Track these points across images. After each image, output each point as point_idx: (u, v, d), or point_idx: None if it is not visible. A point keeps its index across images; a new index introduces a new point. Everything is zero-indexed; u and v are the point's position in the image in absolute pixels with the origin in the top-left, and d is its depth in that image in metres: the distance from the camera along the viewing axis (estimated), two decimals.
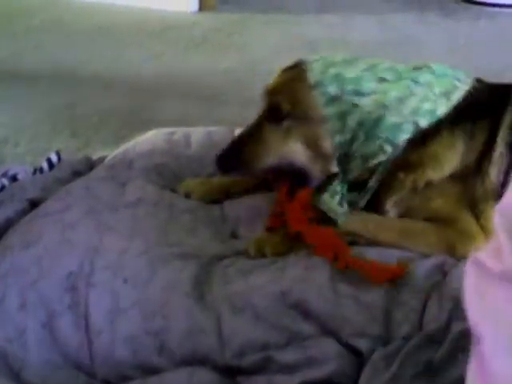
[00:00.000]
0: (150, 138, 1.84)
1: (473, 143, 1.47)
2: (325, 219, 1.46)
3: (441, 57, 2.75)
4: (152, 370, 1.29)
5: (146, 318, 1.31)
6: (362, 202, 1.50)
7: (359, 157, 1.47)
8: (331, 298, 1.28)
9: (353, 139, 1.46)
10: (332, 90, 1.45)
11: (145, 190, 1.62)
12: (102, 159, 1.85)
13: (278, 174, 1.55)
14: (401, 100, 1.46)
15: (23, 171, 1.82)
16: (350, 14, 4.17)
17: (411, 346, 1.19)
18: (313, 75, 1.47)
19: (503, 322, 0.77)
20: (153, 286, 1.35)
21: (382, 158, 1.47)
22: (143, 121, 2.56)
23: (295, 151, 1.49)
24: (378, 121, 1.45)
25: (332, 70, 1.47)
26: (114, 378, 1.31)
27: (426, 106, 1.47)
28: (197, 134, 1.85)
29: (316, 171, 1.50)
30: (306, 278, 1.32)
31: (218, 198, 1.64)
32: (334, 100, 1.45)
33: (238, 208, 1.58)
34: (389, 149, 1.46)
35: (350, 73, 1.47)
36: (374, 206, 1.51)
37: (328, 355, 1.22)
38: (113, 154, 1.83)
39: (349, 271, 1.33)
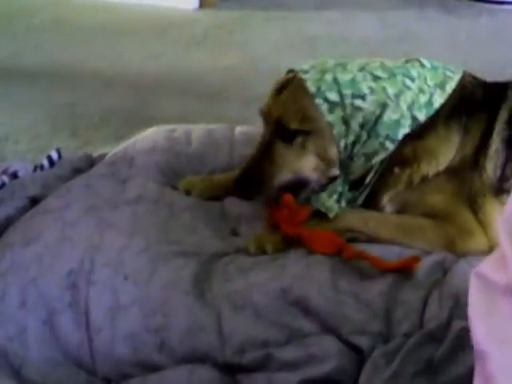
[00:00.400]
0: (150, 136, 1.84)
1: (468, 137, 1.47)
2: (316, 216, 1.46)
3: (441, 53, 2.75)
4: (152, 368, 1.29)
5: (147, 315, 1.31)
6: (361, 199, 1.51)
7: (361, 157, 1.47)
8: (332, 295, 1.28)
9: (356, 141, 1.46)
10: (332, 96, 1.45)
11: (145, 187, 1.62)
12: (102, 156, 1.84)
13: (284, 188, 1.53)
14: (397, 96, 1.46)
15: (24, 168, 1.81)
16: (351, 11, 4.17)
17: (412, 343, 1.19)
18: (311, 84, 1.46)
19: (510, 339, 0.76)
20: (153, 283, 1.35)
21: (383, 155, 1.47)
22: (144, 119, 2.55)
23: (310, 165, 1.49)
24: (378, 119, 1.45)
25: (328, 76, 1.46)
26: (114, 375, 1.31)
27: (423, 98, 1.47)
28: (197, 131, 1.85)
29: (321, 178, 1.51)
30: (307, 275, 1.32)
31: (218, 195, 1.64)
32: (335, 106, 1.45)
33: (238, 205, 1.58)
34: (390, 145, 1.46)
35: (346, 76, 1.46)
36: (371, 201, 1.51)
37: (328, 353, 1.22)
38: (113, 151, 1.82)
39: (349, 268, 1.34)
